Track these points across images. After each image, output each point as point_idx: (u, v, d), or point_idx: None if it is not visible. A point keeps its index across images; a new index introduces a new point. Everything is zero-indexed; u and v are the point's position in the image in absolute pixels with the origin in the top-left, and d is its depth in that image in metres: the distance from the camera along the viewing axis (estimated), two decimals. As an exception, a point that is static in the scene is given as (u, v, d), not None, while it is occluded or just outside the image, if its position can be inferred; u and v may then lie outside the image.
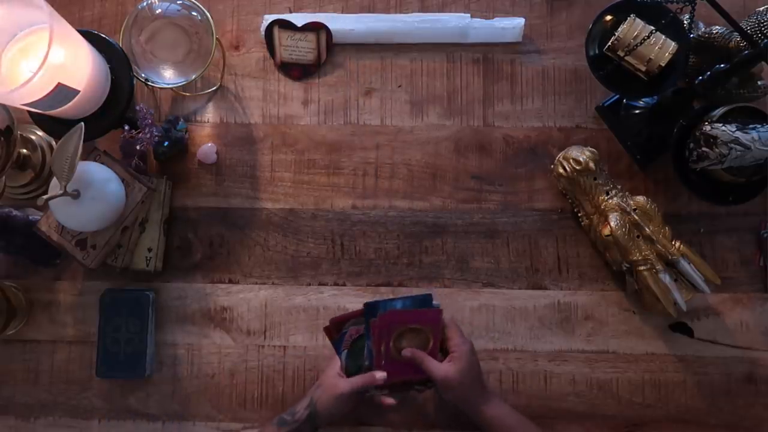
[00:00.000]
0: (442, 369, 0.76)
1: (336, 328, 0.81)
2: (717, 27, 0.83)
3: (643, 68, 0.79)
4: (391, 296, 0.88)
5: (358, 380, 0.77)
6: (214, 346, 0.89)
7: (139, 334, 0.87)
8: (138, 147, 0.84)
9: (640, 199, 0.84)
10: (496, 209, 0.91)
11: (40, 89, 0.68)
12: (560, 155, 0.87)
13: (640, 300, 0.86)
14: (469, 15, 0.92)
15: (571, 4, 0.94)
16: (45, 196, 0.73)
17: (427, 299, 0.78)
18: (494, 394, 0.80)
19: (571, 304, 0.89)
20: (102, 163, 0.82)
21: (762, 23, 0.81)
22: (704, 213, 0.89)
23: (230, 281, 0.90)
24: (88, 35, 0.78)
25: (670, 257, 0.81)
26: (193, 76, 0.86)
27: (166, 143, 0.88)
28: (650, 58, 0.77)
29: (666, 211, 0.88)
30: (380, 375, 0.77)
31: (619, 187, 0.85)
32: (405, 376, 0.79)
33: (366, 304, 0.77)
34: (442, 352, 0.79)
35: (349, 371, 0.79)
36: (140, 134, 0.83)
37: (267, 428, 0.78)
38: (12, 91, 0.65)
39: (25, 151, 0.88)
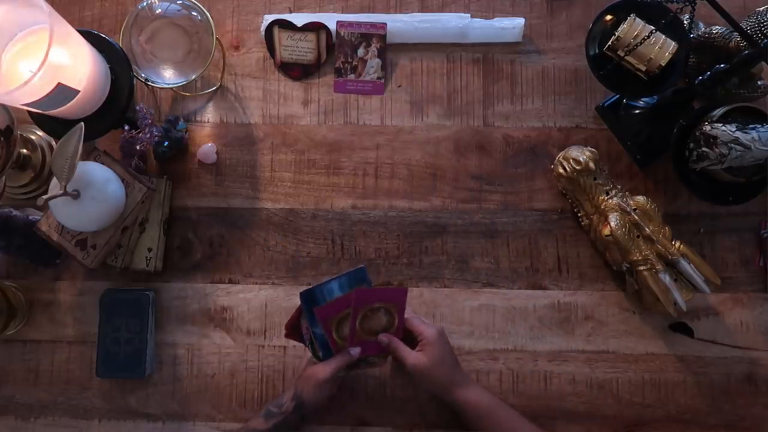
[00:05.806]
0: (411, 356, 0.78)
1: (294, 329, 0.81)
2: (717, 27, 0.83)
3: (643, 68, 0.79)
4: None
5: (336, 362, 0.77)
6: (214, 346, 0.89)
7: (139, 334, 0.87)
8: (138, 147, 0.84)
9: (640, 199, 0.83)
10: (496, 209, 0.91)
11: (40, 89, 0.68)
12: (560, 155, 0.87)
13: (640, 300, 0.86)
14: (469, 15, 0.92)
15: (571, 4, 0.94)
16: (45, 196, 0.73)
17: (361, 273, 0.78)
18: (468, 378, 0.82)
19: (571, 304, 0.89)
20: (102, 163, 0.82)
21: (762, 23, 0.81)
22: (704, 213, 0.89)
23: (230, 281, 0.90)
24: (88, 35, 0.78)
25: (670, 257, 0.81)
26: (193, 76, 0.86)
27: (166, 143, 0.88)
28: (650, 58, 0.77)
29: (666, 211, 0.88)
30: (355, 351, 0.77)
31: (619, 187, 0.85)
32: (370, 353, 0.79)
33: (301, 294, 0.76)
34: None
35: (319, 359, 0.80)
36: (140, 134, 0.83)
37: (254, 421, 0.79)
38: (12, 91, 0.65)
39: (25, 151, 0.88)
